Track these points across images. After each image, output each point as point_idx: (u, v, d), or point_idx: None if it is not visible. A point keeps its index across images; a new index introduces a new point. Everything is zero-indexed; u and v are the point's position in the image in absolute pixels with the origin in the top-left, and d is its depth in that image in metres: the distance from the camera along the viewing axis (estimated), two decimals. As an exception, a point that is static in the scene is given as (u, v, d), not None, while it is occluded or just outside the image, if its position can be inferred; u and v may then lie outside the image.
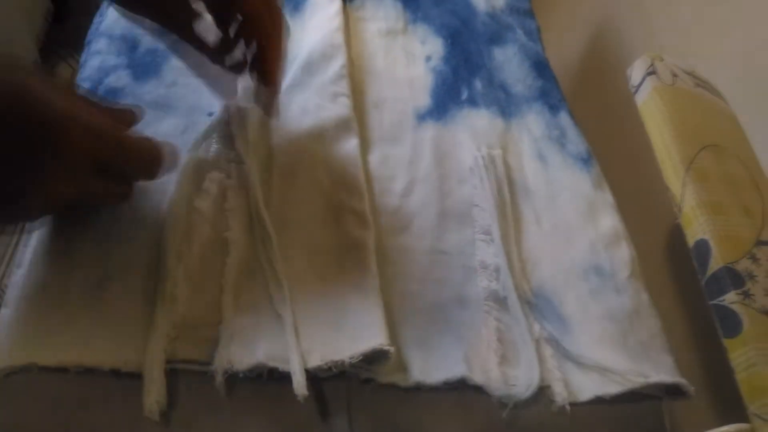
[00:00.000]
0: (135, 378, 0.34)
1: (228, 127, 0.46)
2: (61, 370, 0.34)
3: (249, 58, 0.44)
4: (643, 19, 0.77)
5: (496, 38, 0.61)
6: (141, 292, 0.37)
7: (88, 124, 0.33)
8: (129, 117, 0.40)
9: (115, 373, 0.34)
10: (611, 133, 0.77)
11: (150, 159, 0.37)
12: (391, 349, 0.35)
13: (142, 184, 0.41)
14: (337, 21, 0.56)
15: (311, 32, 0.55)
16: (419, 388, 0.37)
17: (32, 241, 0.41)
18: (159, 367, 0.34)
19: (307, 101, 0.50)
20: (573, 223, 0.47)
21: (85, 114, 0.33)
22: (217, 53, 0.45)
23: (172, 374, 0.35)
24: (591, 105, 0.81)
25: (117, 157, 0.35)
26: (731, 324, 0.38)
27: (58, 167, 0.32)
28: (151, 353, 0.34)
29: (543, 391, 0.38)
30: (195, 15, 0.43)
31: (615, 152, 0.68)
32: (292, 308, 0.37)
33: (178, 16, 0.43)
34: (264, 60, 0.43)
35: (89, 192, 0.36)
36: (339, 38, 0.54)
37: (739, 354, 0.37)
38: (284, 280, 0.39)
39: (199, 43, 0.44)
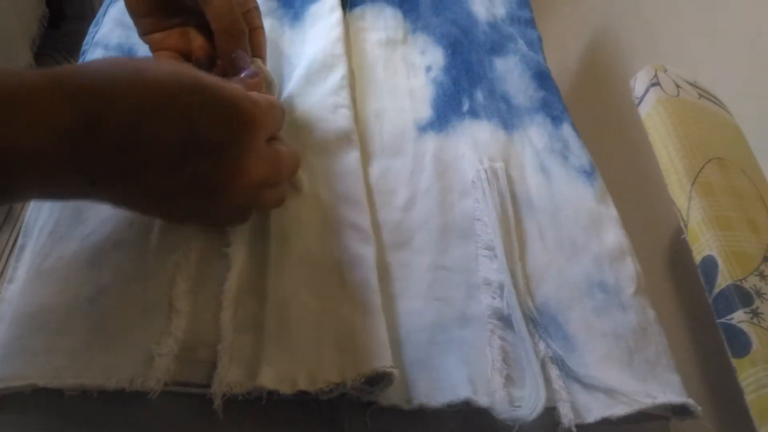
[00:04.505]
0: (137, 396, 0.33)
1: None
2: (61, 390, 0.33)
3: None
4: (643, 28, 0.77)
5: (497, 48, 0.60)
6: (138, 306, 0.36)
7: (259, 100, 0.35)
8: (258, 83, 0.41)
9: (118, 391, 0.33)
10: (610, 143, 0.76)
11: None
12: (396, 371, 0.34)
13: None
14: (337, 31, 0.55)
15: (311, 42, 0.54)
16: (422, 411, 0.36)
17: (25, 255, 0.40)
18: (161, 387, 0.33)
19: (307, 112, 0.49)
20: (577, 238, 0.47)
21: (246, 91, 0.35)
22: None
23: (169, 396, 0.34)
24: (590, 115, 0.80)
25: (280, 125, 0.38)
26: (740, 343, 0.38)
27: (254, 148, 0.34)
28: (156, 372, 0.33)
29: (549, 413, 0.37)
30: None
31: (614, 163, 0.67)
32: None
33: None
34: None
35: (276, 169, 0.37)
36: (339, 48, 0.53)
37: (749, 374, 0.37)
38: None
39: None
